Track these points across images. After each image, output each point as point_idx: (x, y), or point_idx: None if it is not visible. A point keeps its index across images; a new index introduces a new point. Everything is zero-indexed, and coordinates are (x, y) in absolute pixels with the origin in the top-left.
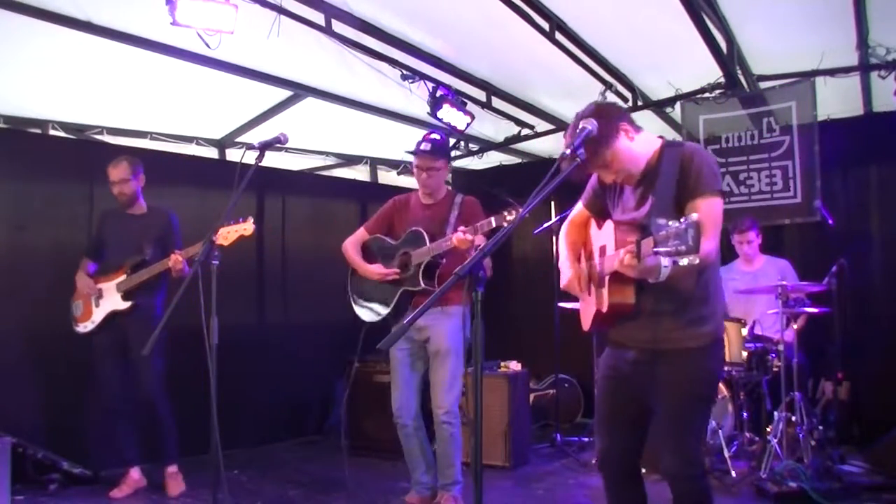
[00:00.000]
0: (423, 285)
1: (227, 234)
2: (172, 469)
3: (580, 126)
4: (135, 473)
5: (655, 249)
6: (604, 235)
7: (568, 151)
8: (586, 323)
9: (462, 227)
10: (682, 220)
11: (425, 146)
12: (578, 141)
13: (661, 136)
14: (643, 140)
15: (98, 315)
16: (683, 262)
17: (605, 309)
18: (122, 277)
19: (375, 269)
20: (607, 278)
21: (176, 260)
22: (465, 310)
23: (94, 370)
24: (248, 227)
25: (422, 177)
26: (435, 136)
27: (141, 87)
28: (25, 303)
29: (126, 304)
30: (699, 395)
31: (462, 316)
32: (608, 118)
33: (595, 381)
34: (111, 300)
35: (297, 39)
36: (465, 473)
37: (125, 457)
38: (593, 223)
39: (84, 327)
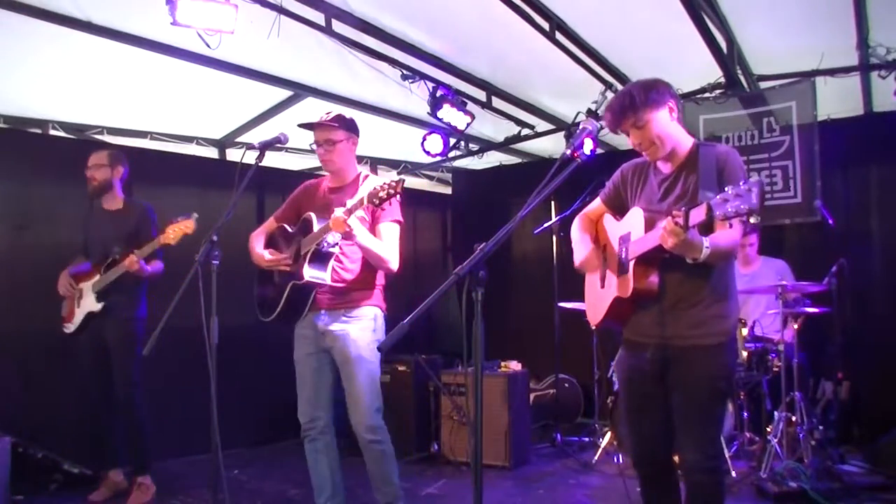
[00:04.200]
0: (306, 278)
1: (172, 232)
2: (143, 480)
3: (581, 126)
4: (115, 476)
5: (716, 212)
6: (626, 224)
7: (569, 152)
8: (597, 317)
9: (338, 209)
10: (741, 182)
11: (322, 117)
12: (578, 141)
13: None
14: (680, 129)
15: (78, 316)
16: (753, 220)
17: (628, 294)
18: (97, 277)
19: (262, 256)
20: (632, 263)
21: (131, 260)
22: (377, 312)
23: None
24: (189, 225)
25: (319, 152)
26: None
27: (141, 87)
28: (25, 303)
29: (98, 306)
30: (718, 391)
31: (373, 318)
32: (661, 90)
33: (597, 381)
34: (88, 301)
35: (297, 39)
36: (462, 477)
37: (106, 458)
38: (608, 217)
39: (67, 328)
